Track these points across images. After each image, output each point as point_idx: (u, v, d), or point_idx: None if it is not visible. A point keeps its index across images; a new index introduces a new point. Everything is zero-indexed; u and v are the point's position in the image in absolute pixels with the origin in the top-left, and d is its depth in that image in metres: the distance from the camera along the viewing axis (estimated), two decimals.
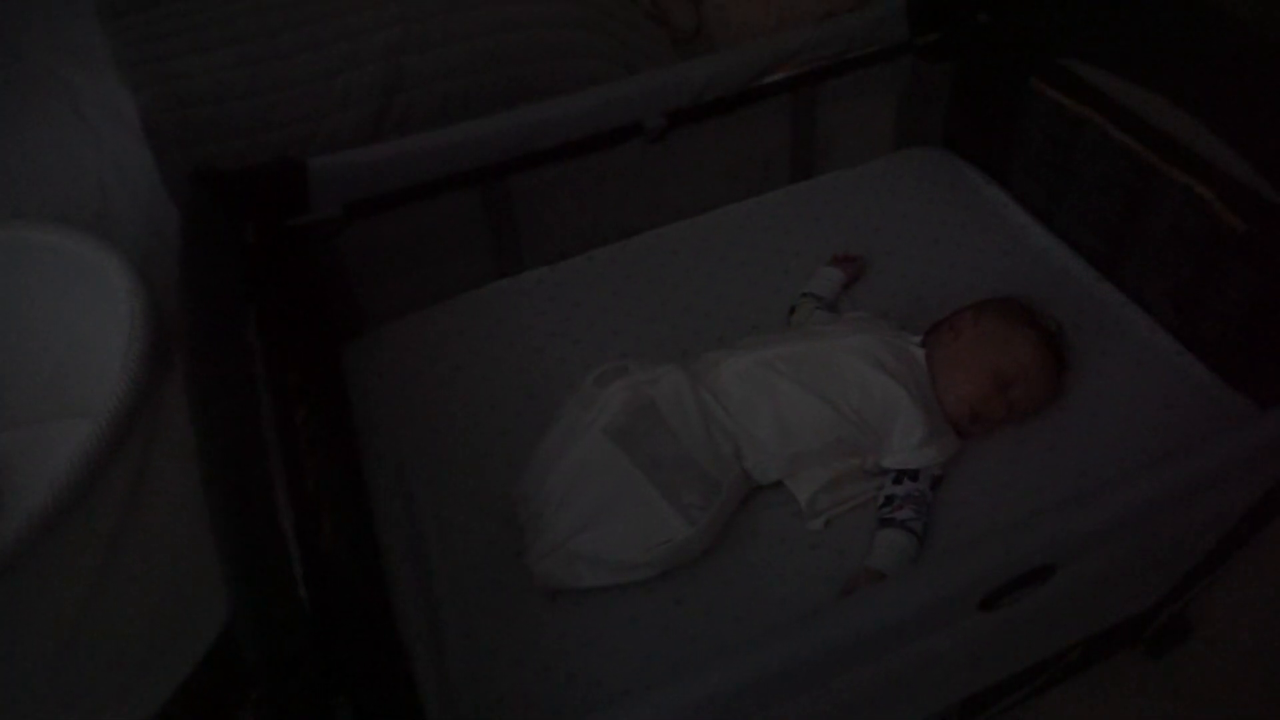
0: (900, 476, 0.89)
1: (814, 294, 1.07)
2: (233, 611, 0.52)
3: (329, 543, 0.73)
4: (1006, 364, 0.91)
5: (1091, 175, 1.07)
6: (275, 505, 0.62)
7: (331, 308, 1.06)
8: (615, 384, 0.88)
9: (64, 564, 0.63)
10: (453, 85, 1.16)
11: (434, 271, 1.11)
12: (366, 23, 1.14)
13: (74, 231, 0.79)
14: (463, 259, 1.12)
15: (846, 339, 0.93)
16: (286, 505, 0.71)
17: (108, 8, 1.17)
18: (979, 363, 0.91)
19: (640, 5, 1.55)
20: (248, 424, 0.64)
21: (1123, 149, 1.01)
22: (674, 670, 0.75)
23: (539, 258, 1.16)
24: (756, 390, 0.89)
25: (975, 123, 1.23)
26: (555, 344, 1.09)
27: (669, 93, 1.08)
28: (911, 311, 1.06)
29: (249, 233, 0.93)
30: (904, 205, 1.21)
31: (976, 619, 0.69)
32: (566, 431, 0.88)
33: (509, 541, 0.89)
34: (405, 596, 0.85)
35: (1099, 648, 1.10)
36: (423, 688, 0.78)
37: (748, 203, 1.23)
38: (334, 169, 0.98)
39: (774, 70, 1.13)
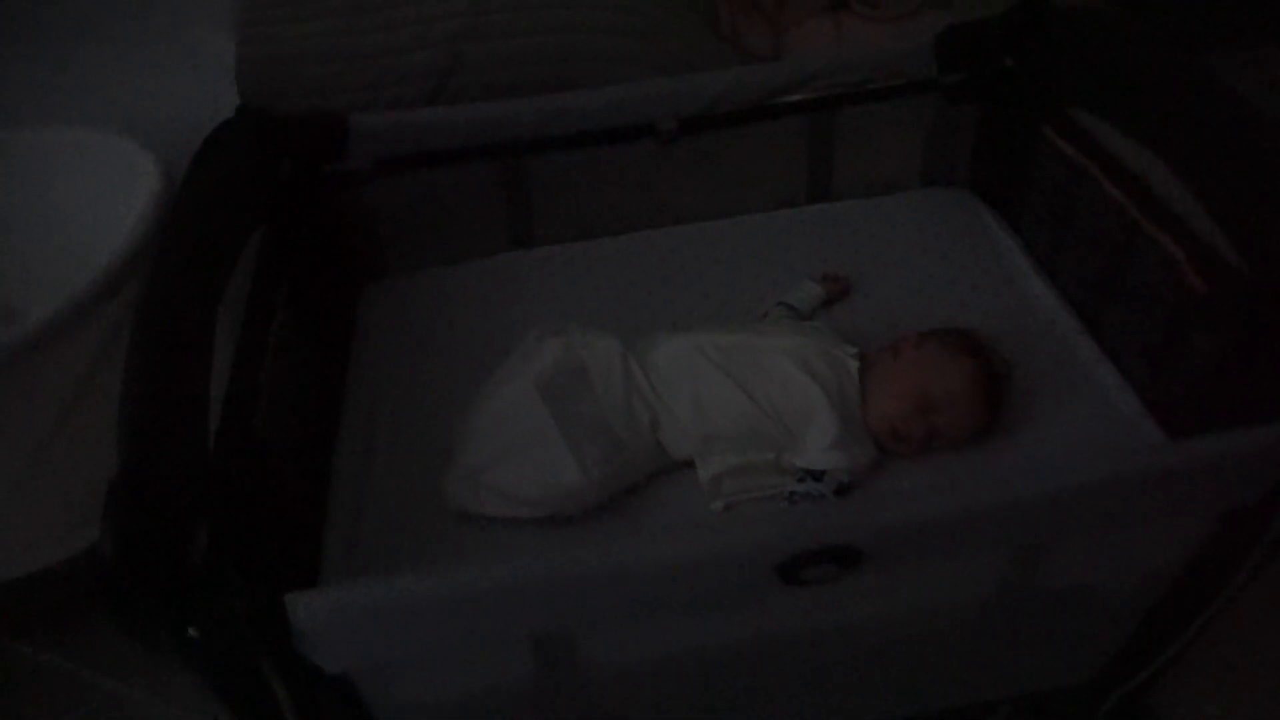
0: (805, 475, 0.91)
1: (788, 304, 1.11)
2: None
3: (261, 424, 0.84)
4: (934, 388, 0.92)
5: (1087, 226, 1.06)
6: (200, 367, 0.73)
7: (354, 249, 1.20)
8: (551, 341, 0.96)
9: (41, 387, 0.77)
10: (504, 75, 1.28)
11: (452, 234, 1.23)
12: (437, 12, 1.28)
13: (120, 136, 0.95)
14: (479, 227, 1.23)
15: (783, 339, 0.97)
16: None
17: None
18: (907, 382, 0.93)
19: (719, 29, 1.64)
20: (199, 302, 0.77)
21: (1112, 203, 1.00)
22: None
23: (549, 237, 1.26)
24: (682, 370, 0.95)
25: (996, 166, 1.23)
26: (544, 316, 1.17)
27: (682, 99, 1.16)
28: (883, 335, 1.08)
29: (285, 168, 1.08)
30: (909, 239, 1.23)
31: (793, 603, 0.71)
32: (504, 378, 0.97)
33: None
34: (337, 498, 0.96)
35: (1035, 716, 1.06)
36: (328, 564, 0.88)
37: (757, 216, 1.28)
38: (372, 126, 1.12)
39: (792, 91, 1.18)
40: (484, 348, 1.13)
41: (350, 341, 1.16)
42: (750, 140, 1.21)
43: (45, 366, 0.78)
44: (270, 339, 0.92)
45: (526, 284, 1.22)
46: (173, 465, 0.66)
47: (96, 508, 0.59)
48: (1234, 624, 1.11)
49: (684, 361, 0.95)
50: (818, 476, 0.91)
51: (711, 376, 0.93)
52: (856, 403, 0.94)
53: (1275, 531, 0.80)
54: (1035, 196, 1.16)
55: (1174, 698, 1.12)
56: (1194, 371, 0.91)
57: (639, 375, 0.95)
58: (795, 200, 1.30)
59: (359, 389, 1.09)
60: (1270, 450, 0.70)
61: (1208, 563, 0.84)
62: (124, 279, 0.82)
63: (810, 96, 1.18)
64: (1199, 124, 0.87)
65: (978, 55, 1.16)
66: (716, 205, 1.28)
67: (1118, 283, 1.01)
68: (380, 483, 0.98)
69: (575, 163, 1.18)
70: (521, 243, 1.26)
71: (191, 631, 0.60)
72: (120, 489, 0.61)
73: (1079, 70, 1.05)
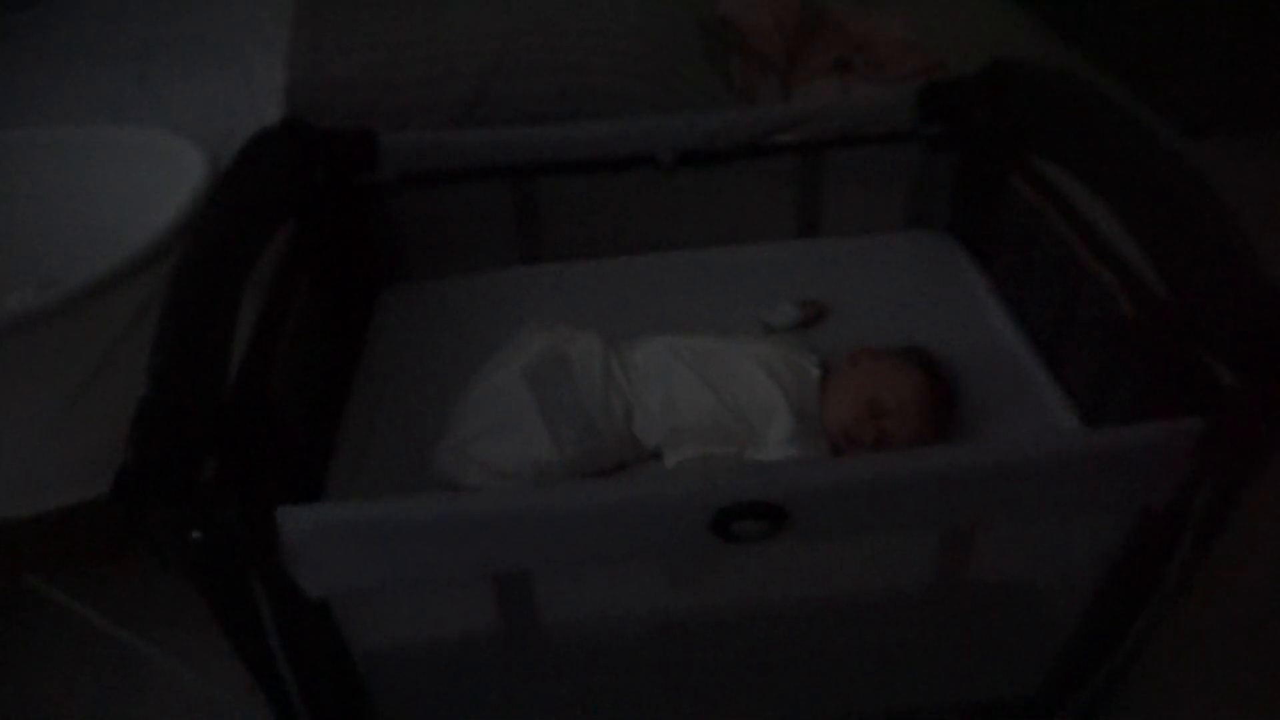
0: None
1: (766, 322, 1.21)
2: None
3: (275, 387, 0.95)
4: (885, 395, 1.00)
5: (1044, 263, 1.14)
6: (224, 323, 0.84)
7: (376, 253, 1.32)
8: (541, 334, 1.06)
9: (80, 340, 0.89)
10: (525, 107, 1.42)
11: (466, 246, 1.35)
12: (468, 50, 1.43)
13: (175, 135, 1.09)
14: (491, 242, 1.35)
15: (751, 346, 1.06)
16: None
17: (301, 13, 1.54)
18: (861, 389, 1.01)
19: (732, 84, 1.77)
20: (227, 269, 0.88)
21: (1064, 240, 1.09)
22: None
23: (555, 254, 1.37)
24: (657, 368, 1.04)
25: (972, 211, 1.33)
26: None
27: (681, 133, 1.27)
28: None
29: (319, 174, 1.20)
30: (886, 274, 1.32)
31: (735, 575, 0.78)
32: (495, 365, 1.07)
33: None
34: (338, 466, 1.06)
35: None
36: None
37: (749, 247, 1.38)
38: (399, 144, 1.25)
39: (783, 132, 1.29)
40: (486, 350, 1.22)
41: (365, 336, 1.27)
42: (744, 176, 1.32)
43: (90, 322, 0.90)
44: (290, 320, 1.02)
45: (531, 297, 1.33)
46: (191, 399, 0.76)
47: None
48: (1184, 649, 1.15)
49: (659, 360, 1.04)
50: None
51: (683, 375, 1.02)
52: (815, 406, 1.02)
53: (1190, 540, 0.87)
54: (1004, 238, 1.25)
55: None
56: (1126, 394, 0.98)
57: (617, 370, 1.04)
58: (785, 234, 1.40)
59: (368, 376, 1.20)
60: (1171, 444, 0.76)
61: (1132, 569, 0.90)
62: (165, 252, 0.93)
63: (800, 139, 1.29)
64: (1133, 170, 0.96)
65: (955, 109, 1.27)
66: (712, 234, 1.38)
67: (1068, 314, 1.09)
68: (378, 455, 1.08)
69: (582, 187, 1.30)
70: (529, 258, 1.37)
71: (194, 534, 0.69)
72: (145, 409, 0.71)
73: (1040, 123, 1.14)
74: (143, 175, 1.10)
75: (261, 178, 1.01)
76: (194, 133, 1.24)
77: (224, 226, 0.89)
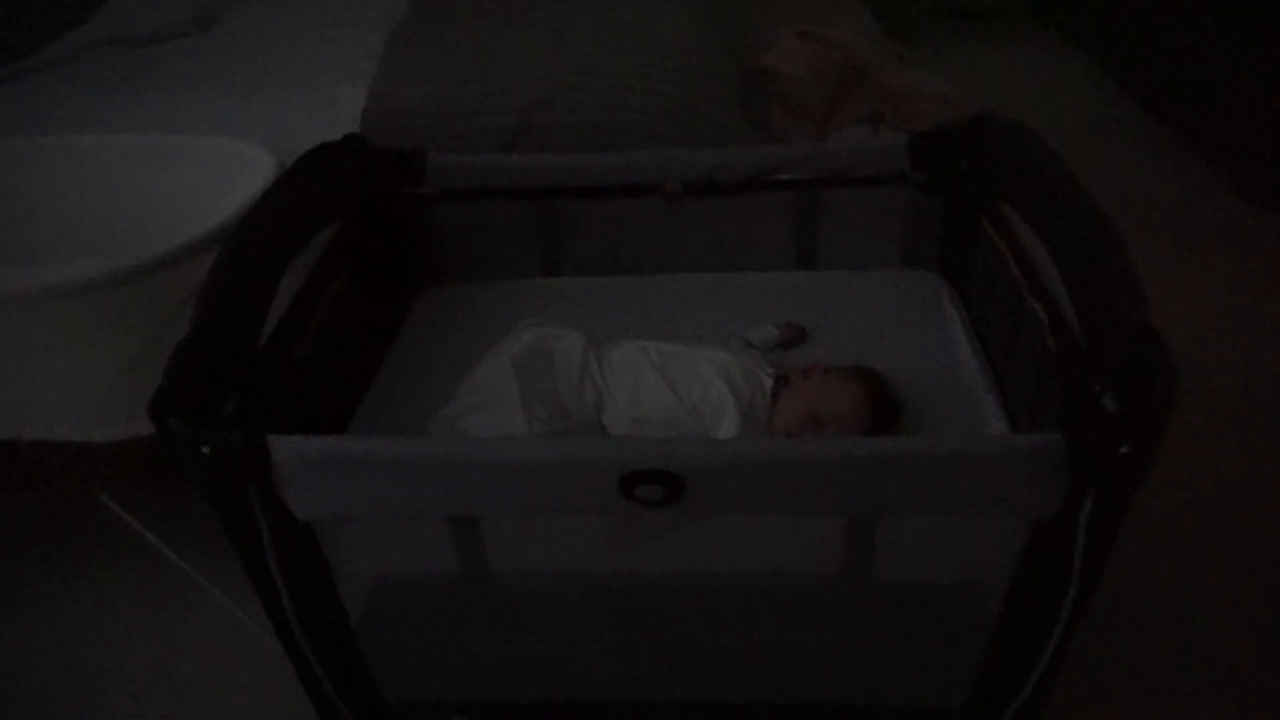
0: None
1: (747, 339, 1.33)
2: None
3: (303, 354, 1.14)
4: (827, 405, 1.11)
5: (1001, 300, 1.23)
6: (264, 289, 1.04)
7: (415, 258, 1.51)
8: (532, 330, 1.22)
9: (156, 300, 1.10)
10: (563, 138, 1.60)
11: (495, 258, 1.53)
12: (519, 85, 1.62)
13: (257, 145, 1.31)
14: (517, 255, 1.53)
15: (714, 354, 1.19)
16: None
17: (387, 52, 1.78)
18: (806, 399, 1.12)
19: (771, 132, 1.91)
20: (270, 248, 1.08)
21: (1014, 279, 1.17)
22: None
23: (573, 269, 1.53)
24: (628, 366, 1.18)
25: (955, 251, 1.42)
26: None
27: (686, 166, 1.42)
28: None
29: (372, 185, 1.41)
30: (870, 306, 1.42)
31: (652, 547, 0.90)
32: (491, 355, 1.23)
33: None
34: (355, 425, 1.24)
35: None
36: None
37: (748, 275, 1.51)
38: (444, 164, 1.45)
39: (780, 170, 1.42)
40: None
41: (398, 330, 1.47)
42: (746, 208, 1.46)
43: (164, 286, 1.11)
44: (325, 303, 1.22)
45: (547, 305, 1.49)
46: (220, 346, 0.95)
47: None
48: (1116, 663, 1.19)
49: (631, 360, 1.19)
50: None
51: (649, 374, 1.16)
52: (764, 412, 1.14)
53: (1082, 550, 0.93)
54: (977, 277, 1.34)
55: None
56: (1051, 419, 1.05)
57: (594, 365, 1.19)
58: (784, 266, 1.52)
59: (394, 360, 1.38)
60: (1040, 456, 0.84)
61: (1033, 578, 0.96)
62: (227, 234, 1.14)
63: (795, 177, 1.42)
64: (1067, 221, 1.05)
65: (941, 157, 1.37)
66: (714, 261, 1.52)
67: (1014, 346, 1.17)
68: (389, 424, 1.25)
69: (597, 210, 1.46)
70: (550, 271, 1.54)
71: (204, 449, 0.87)
72: (181, 348, 0.90)
73: (1007, 173, 1.24)
74: (226, 176, 1.33)
75: (314, 180, 1.21)
76: (283, 147, 1.48)
77: (272, 214, 1.09)
